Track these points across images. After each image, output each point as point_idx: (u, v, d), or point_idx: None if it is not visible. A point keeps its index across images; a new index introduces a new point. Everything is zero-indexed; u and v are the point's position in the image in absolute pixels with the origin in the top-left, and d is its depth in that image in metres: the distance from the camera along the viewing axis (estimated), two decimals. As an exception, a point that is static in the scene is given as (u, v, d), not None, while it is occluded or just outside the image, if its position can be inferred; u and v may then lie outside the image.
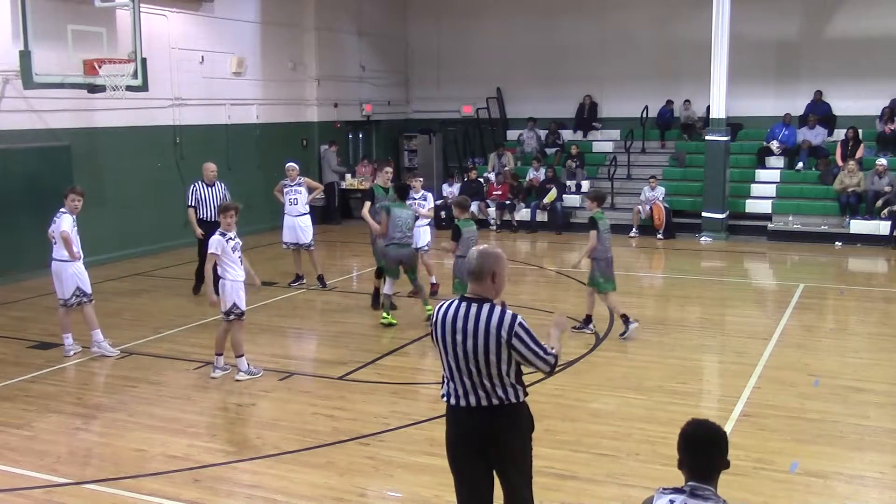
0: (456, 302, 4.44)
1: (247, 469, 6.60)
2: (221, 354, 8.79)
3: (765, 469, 6.42)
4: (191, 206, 12.32)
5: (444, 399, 4.52)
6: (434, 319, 4.47)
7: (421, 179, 12.98)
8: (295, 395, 8.34)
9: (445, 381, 4.51)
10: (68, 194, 9.44)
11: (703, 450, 3.36)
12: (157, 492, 6.17)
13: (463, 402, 4.41)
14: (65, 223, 9.26)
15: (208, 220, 11.92)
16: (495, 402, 4.36)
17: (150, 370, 9.10)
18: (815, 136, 19.18)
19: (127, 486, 6.24)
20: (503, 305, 4.40)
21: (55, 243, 9.33)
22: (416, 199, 12.36)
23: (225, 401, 8.24)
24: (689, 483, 3.36)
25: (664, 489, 3.39)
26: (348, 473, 6.44)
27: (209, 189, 12.39)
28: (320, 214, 18.53)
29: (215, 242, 8.56)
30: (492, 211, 19.62)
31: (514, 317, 4.32)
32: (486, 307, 4.35)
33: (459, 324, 4.33)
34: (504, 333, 4.28)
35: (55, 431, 7.38)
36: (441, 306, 4.47)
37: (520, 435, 4.49)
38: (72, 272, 9.38)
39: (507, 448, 4.47)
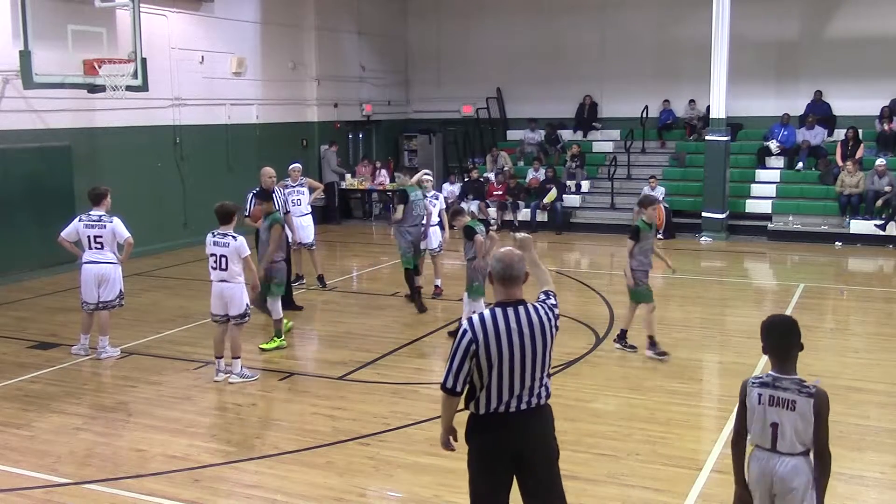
0: (498, 310, 4.25)
1: (247, 469, 6.60)
2: (239, 357, 8.75)
3: (765, 469, 6.42)
4: (247, 216, 11.17)
5: (483, 410, 4.28)
6: (475, 335, 4.20)
7: (431, 179, 13.12)
8: (295, 395, 8.35)
9: (484, 393, 4.26)
10: (108, 195, 9.51)
11: (778, 335, 4.22)
12: (157, 492, 6.17)
13: (502, 409, 4.25)
14: (123, 227, 9.38)
15: None
16: (534, 403, 4.30)
17: (150, 370, 9.10)
18: (814, 136, 19.18)
19: (127, 486, 6.24)
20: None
21: (97, 247, 9.28)
22: (427, 198, 12.38)
23: (225, 401, 8.24)
24: (772, 373, 4.22)
25: (753, 381, 4.26)
26: (348, 473, 6.44)
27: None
28: (320, 214, 18.53)
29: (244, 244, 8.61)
30: (492, 211, 19.63)
31: (553, 308, 4.40)
32: (529, 307, 4.31)
33: (515, 329, 4.22)
34: (552, 325, 4.33)
35: (55, 431, 7.38)
36: (481, 319, 4.24)
37: (554, 433, 4.48)
38: (119, 274, 9.51)
39: (551, 446, 4.42)
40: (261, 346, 9.75)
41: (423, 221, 11.79)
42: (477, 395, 4.30)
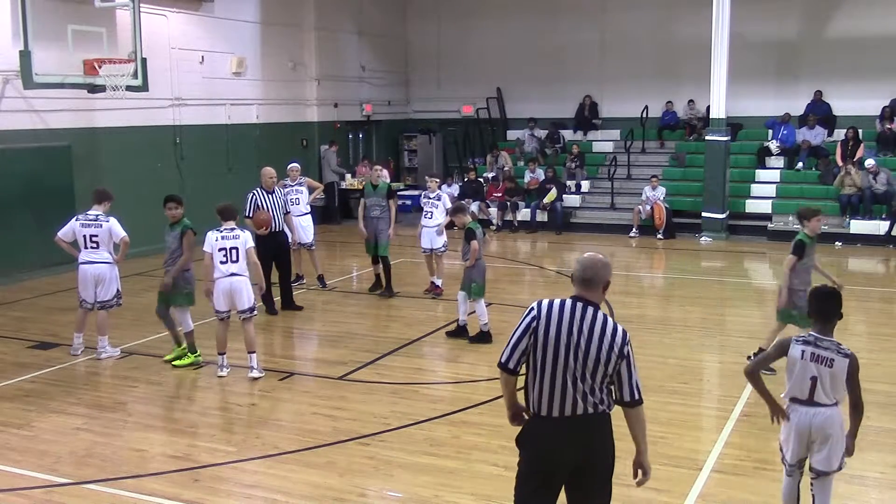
0: (568, 301, 4.24)
1: (247, 469, 6.60)
2: (255, 352, 8.79)
3: (765, 469, 6.42)
4: (248, 216, 11.12)
5: (536, 407, 4.23)
6: (538, 313, 4.23)
7: (437, 179, 13.12)
8: (295, 395, 8.35)
9: (534, 388, 4.23)
10: (112, 198, 9.59)
11: (822, 301, 4.99)
12: (157, 492, 6.18)
13: (556, 412, 4.17)
14: (119, 227, 9.37)
15: (271, 230, 11.23)
16: (590, 410, 4.18)
17: (150, 370, 9.10)
18: (814, 136, 19.19)
19: (127, 486, 6.24)
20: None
21: (93, 247, 9.27)
22: (430, 199, 12.35)
23: (225, 401, 8.24)
24: (813, 333, 4.95)
25: (797, 339, 4.98)
26: (348, 473, 6.45)
27: (269, 196, 11.39)
28: (320, 214, 18.52)
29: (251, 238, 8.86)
30: (493, 211, 19.63)
31: (626, 332, 4.25)
32: (600, 313, 4.23)
33: (577, 323, 4.16)
34: (619, 342, 4.18)
35: (55, 431, 7.38)
36: (549, 302, 4.26)
37: (612, 447, 4.36)
38: (115, 274, 9.49)
39: (602, 459, 4.31)
40: (170, 361, 9.22)
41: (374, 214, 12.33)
42: (531, 388, 4.24)
